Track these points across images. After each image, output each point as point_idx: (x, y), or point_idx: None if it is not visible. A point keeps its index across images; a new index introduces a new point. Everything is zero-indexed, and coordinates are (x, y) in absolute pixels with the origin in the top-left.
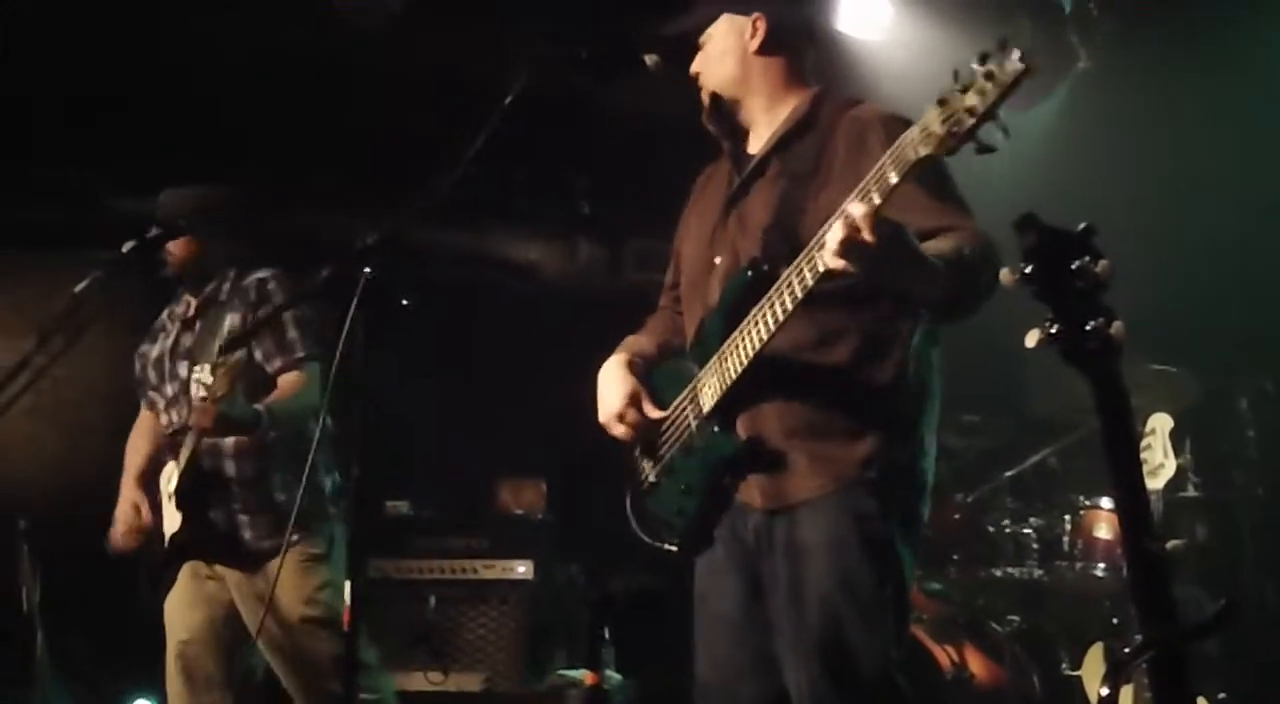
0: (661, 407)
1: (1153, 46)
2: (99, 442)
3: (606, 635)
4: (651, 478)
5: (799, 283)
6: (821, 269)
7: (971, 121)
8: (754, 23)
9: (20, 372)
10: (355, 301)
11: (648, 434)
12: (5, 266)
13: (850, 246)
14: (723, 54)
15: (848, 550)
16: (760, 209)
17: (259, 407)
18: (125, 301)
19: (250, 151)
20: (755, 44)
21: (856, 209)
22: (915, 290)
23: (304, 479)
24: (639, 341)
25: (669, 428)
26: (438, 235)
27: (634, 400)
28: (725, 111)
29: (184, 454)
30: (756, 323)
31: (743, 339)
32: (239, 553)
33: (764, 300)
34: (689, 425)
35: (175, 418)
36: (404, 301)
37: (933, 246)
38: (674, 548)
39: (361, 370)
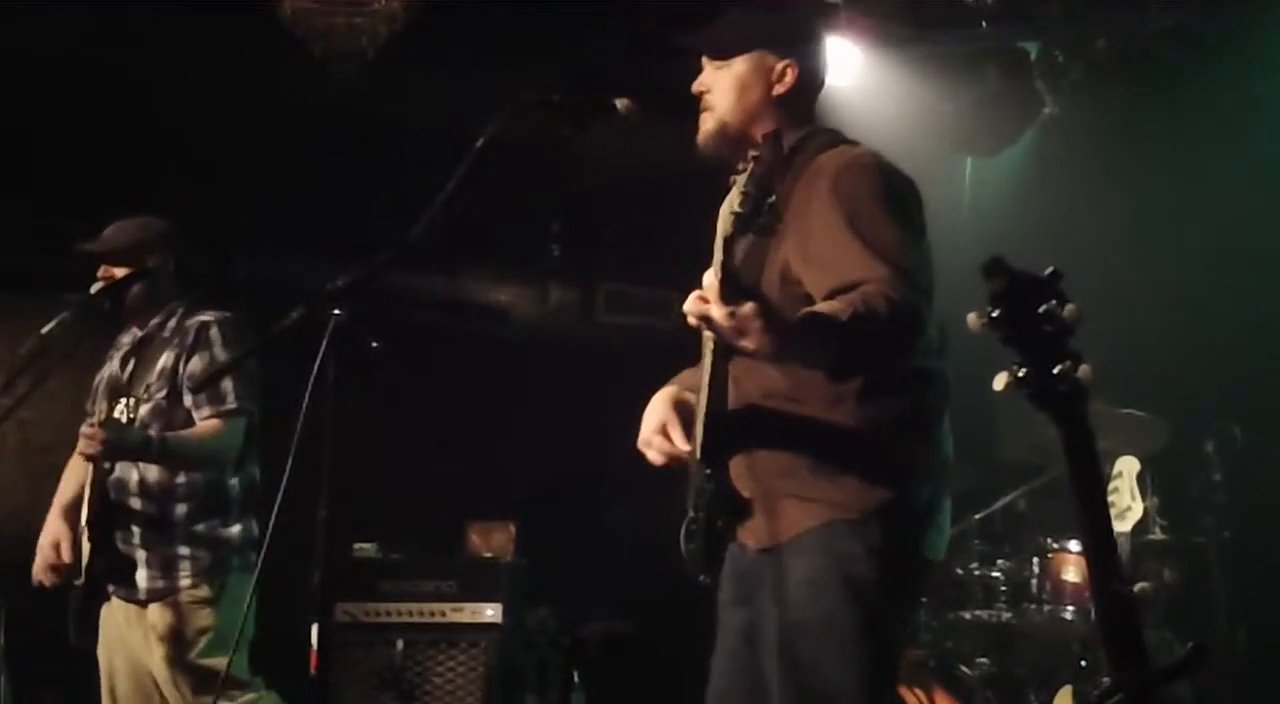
0: None
1: (1118, 94)
2: None
3: (577, 680)
4: (690, 511)
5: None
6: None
7: (753, 199)
8: (785, 67)
9: None
10: (325, 344)
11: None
12: None
13: (701, 320)
14: (745, 88)
15: (828, 589)
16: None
17: (150, 434)
18: (93, 344)
19: (223, 197)
20: (781, 89)
21: (707, 280)
22: (791, 360)
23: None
24: (693, 374)
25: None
26: (408, 278)
27: (662, 430)
28: (732, 141)
29: (86, 484)
30: (707, 374)
31: (703, 388)
32: (133, 587)
33: (708, 353)
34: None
35: None
36: (374, 344)
37: (824, 307)
38: (704, 580)
39: (330, 413)
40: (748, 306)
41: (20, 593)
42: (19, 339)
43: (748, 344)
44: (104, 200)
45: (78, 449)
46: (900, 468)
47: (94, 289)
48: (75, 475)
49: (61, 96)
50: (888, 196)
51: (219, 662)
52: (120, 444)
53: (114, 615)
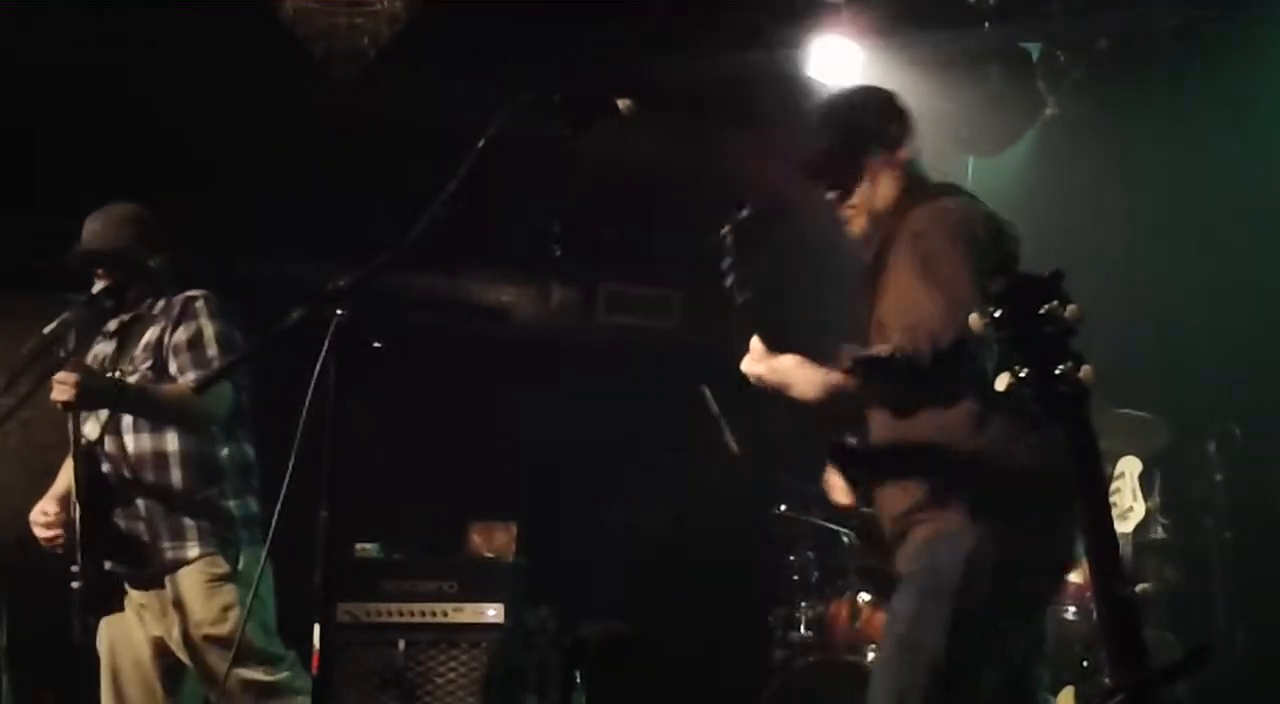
0: None
1: (1119, 94)
2: None
3: (578, 680)
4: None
5: None
6: None
7: (732, 269)
8: (898, 152)
9: None
10: (326, 344)
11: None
12: None
13: (752, 376)
14: (883, 184)
15: (919, 593)
16: (863, 314)
17: (125, 380)
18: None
19: (223, 197)
20: (896, 167)
21: (754, 344)
22: (843, 403)
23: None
24: None
25: None
26: (410, 278)
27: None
28: (884, 222)
29: (75, 469)
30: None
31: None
32: (139, 563)
33: None
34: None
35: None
36: (376, 344)
37: (871, 351)
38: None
39: (331, 413)
40: (785, 359)
41: (20, 593)
42: (20, 339)
43: (794, 394)
44: (104, 201)
45: (52, 397)
46: (999, 483)
47: (96, 289)
48: (70, 473)
49: (62, 97)
50: (956, 239)
51: (250, 634)
52: (92, 388)
53: (123, 618)
